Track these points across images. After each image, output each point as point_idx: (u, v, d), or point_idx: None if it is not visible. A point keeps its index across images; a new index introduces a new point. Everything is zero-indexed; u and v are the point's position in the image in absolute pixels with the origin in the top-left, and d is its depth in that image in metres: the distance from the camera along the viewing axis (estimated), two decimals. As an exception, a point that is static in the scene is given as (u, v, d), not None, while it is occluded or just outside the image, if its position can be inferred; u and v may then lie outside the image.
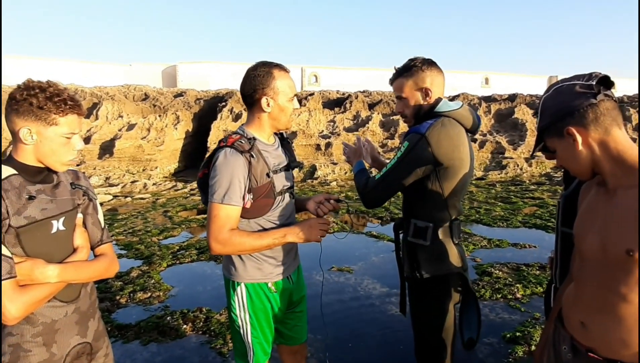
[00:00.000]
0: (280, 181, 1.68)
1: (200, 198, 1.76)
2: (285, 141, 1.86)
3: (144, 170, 11.60)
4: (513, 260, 4.67)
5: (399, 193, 1.77)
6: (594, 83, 1.01)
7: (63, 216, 1.32)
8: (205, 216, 1.66)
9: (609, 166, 1.02)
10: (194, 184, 9.77)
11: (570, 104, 1.02)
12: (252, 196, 1.58)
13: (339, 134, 12.74)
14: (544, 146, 1.13)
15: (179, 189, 9.88)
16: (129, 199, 8.83)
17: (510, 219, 6.51)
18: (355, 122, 13.65)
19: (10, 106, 1.22)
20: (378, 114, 13.84)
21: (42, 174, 1.31)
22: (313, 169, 11.22)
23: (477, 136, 12.44)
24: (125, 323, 3.35)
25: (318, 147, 12.35)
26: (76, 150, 1.32)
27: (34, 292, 1.20)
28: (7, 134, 9.78)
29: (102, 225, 1.49)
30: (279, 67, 1.65)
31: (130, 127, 12.60)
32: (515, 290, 3.82)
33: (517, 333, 3.06)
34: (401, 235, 1.86)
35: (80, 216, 1.41)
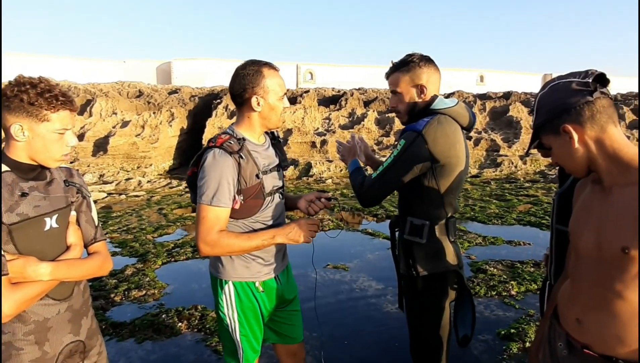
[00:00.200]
0: (270, 182, 1.66)
1: None
2: (276, 140, 1.84)
3: (138, 167, 11.53)
4: (508, 257, 4.69)
5: (395, 191, 1.77)
6: (591, 81, 1.01)
7: (56, 213, 1.31)
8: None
9: (604, 163, 1.02)
10: (189, 182, 9.72)
11: (566, 101, 1.02)
12: (242, 198, 1.57)
13: (334, 132, 12.73)
14: (539, 143, 1.13)
15: (173, 187, 9.84)
16: (123, 196, 8.78)
17: (505, 217, 6.54)
18: (350, 119, 13.65)
19: (0, 102, 1.20)
20: (373, 111, 13.84)
21: (35, 171, 1.29)
22: (308, 166, 11.21)
23: (472, 134, 12.48)
24: (120, 321, 3.33)
25: (313, 144, 12.34)
26: (69, 146, 1.30)
27: (26, 290, 1.18)
28: None
29: (96, 223, 1.48)
30: (268, 65, 1.63)
31: (125, 124, 12.51)
32: (510, 287, 3.84)
33: (512, 330, 3.07)
34: (397, 233, 1.86)
35: (73, 213, 1.39)
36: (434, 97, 1.70)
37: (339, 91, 15.29)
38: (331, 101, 14.64)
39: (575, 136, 1.02)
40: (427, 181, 1.66)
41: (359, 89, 16.01)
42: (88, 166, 11.07)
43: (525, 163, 11.42)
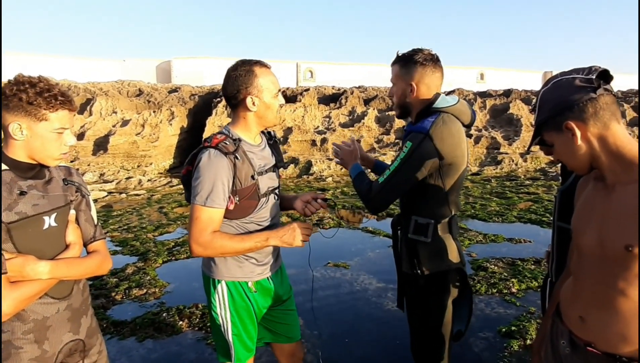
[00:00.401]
0: (265, 183, 1.65)
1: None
2: (272, 140, 1.82)
3: (138, 166, 11.53)
4: (508, 255, 4.68)
5: None
6: (594, 77, 0.99)
7: (55, 212, 1.30)
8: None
9: (607, 161, 1.01)
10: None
11: (569, 98, 1.01)
12: (237, 198, 1.56)
13: (334, 130, 12.72)
14: (541, 140, 1.12)
15: (174, 186, 9.84)
16: (123, 195, 8.78)
17: (506, 215, 6.53)
18: (350, 118, 13.63)
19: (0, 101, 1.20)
20: (374, 109, 13.82)
21: (33, 170, 1.29)
22: (309, 165, 11.21)
23: (472, 132, 12.47)
24: (120, 320, 3.33)
25: (314, 143, 12.33)
26: (67, 146, 1.30)
27: (24, 288, 1.18)
28: None
29: (95, 222, 1.47)
30: (260, 63, 1.61)
31: (125, 123, 12.51)
32: (511, 284, 3.84)
33: (513, 328, 3.07)
34: (399, 231, 1.85)
35: (73, 212, 1.39)
36: (437, 96, 1.69)
37: (339, 90, 15.28)
38: (331, 99, 14.62)
39: (578, 133, 1.00)
40: (433, 180, 1.65)
41: (359, 87, 15.99)
42: (88, 165, 11.06)
43: (525, 161, 11.41)
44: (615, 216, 0.99)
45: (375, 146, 12.39)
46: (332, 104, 14.26)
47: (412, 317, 1.81)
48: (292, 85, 20.41)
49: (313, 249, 1.97)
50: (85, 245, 1.42)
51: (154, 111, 13.04)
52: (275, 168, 1.74)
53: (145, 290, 3.90)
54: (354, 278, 4.16)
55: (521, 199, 7.59)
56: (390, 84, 1.82)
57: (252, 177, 1.58)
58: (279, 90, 1.67)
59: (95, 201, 8.04)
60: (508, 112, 13.67)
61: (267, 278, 1.74)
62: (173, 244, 5.33)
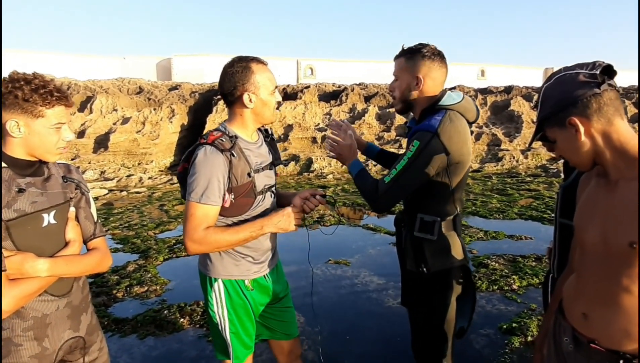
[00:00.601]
0: (261, 181, 1.64)
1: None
2: (269, 137, 1.81)
3: (139, 164, 11.52)
4: (509, 252, 4.68)
5: None
6: (598, 72, 0.98)
7: (54, 209, 1.30)
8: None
9: (611, 157, 1.00)
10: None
11: (573, 93, 0.99)
12: (232, 196, 1.55)
13: (335, 127, 12.69)
14: (543, 136, 1.10)
15: (174, 183, 9.83)
16: (124, 193, 8.78)
17: (507, 211, 6.53)
18: (351, 115, 13.61)
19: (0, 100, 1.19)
20: (374, 106, 13.80)
21: (32, 168, 1.28)
22: (309, 162, 11.19)
23: (473, 128, 12.43)
24: (122, 317, 3.33)
25: (314, 140, 12.31)
26: (65, 141, 1.29)
27: (24, 286, 1.18)
28: None
29: (95, 219, 1.47)
30: (256, 60, 1.59)
31: (125, 121, 12.49)
32: (512, 281, 3.84)
33: (514, 324, 3.07)
34: (402, 229, 1.84)
35: (72, 209, 1.38)
36: (443, 93, 1.67)
37: (339, 87, 15.25)
38: (332, 96, 14.60)
39: (582, 129, 0.99)
40: (440, 178, 1.63)
41: (360, 84, 15.95)
42: (89, 163, 11.06)
43: (526, 158, 11.39)
44: (618, 212, 0.98)
45: (376, 143, 12.36)
46: (332, 101, 14.24)
47: (416, 315, 1.80)
48: (292, 82, 20.36)
49: (314, 246, 1.97)
50: (85, 242, 1.42)
51: (155, 109, 13.03)
52: (272, 165, 1.73)
53: (146, 288, 3.90)
54: (354, 275, 4.16)
55: (522, 196, 7.58)
56: (390, 81, 1.80)
57: (249, 174, 1.57)
58: (276, 87, 1.65)
59: (96, 199, 8.04)
60: (509, 108, 13.63)
61: (264, 276, 1.73)
62: (174, 241, 5.33)
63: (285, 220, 1.61)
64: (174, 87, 14.87)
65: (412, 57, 1.66)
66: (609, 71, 1.00)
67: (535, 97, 12.93)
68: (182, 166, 1.66)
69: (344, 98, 14.19)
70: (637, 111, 13.22)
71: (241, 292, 1.67)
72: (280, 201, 1.82)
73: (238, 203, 1.58)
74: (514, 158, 11.36)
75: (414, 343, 1.86)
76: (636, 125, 12.46)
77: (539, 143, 1.15)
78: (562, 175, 1.65)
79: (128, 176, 10.39)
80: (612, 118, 0.98)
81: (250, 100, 1.57)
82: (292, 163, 11.13)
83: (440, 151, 1.56)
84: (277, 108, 12.48)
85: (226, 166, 1.51)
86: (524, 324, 3.06)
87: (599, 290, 1.04)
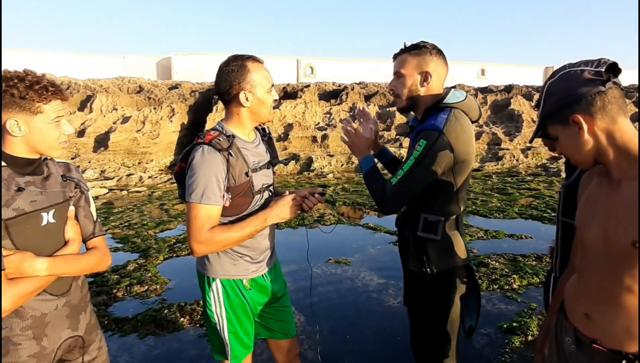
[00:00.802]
0: (259, 180, 1.63)
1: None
2: (267, 136, 1.80)
3: (139, 163, 11.52)
4: (509, 251, 4.68)
5: None
6: (603, 70, 0.97)
7: (53, 208, 1.29)
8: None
9: (614, 156, 0.99)
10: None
11: (577, 91, 0.98)
12: (230, 196, 1.54)
13: (335, 126, 12.69)
14: (544, 133, 1.09)
15: (174, 182, 9.82)
16: (124, 192, 8.77)
17: (507, 211, 6.52)
18: (351, 114, 13.59)
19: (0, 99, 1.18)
20: (374, 105, 13.79)
21: (31, 166, 1.28)
22: (309, 161, 11.19)
23: (474, 127, 12.41)
24: (122, 317, 3.33)
25: (314, 139, 12.31)
26: (66, 134, 1.29)
27: (22, 285, 1.17)
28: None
29: (95, 218, 1.46)
30: (252, 58, 1.58)
31: (125, 120, 12.48)
32: (512, 280, 3.83)
33: (514, 324, 3.06)
34: (404, 229, 1.83)
35: (72, 208, 1.38)
36: (447, 91, 1.66)
37: (339, 86, 15.23)
38: (332, 95, 14.58)
39: (585, 127, 0.98)
40: (445, 178, 1.61)
41: (360, 83, 15.93)
42: (89, 162, 11.06)
43: (527, 157, 11.38)
44: (621, 212, 0.98)
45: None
46: (332, 100, 14.23)
47: (418, 314, 1.79)
48: (292, 81, 20.34)
49: (314, 246, 1.97)
50: (84, 241, 1.42)
51: (155, 108, 13.02)
52: (269, 164, 1.73)
53: (146, 287, 3.90)
54: (354, 275, 4.16)
55: (522, 195, 7.57)
56: (389, 80, 1.78)
57: (246, 174, 1.57)
58: (272, 85, 1.64)
59: (96, 198, 8.03)
60: (509, 108, 13.62)
61: (262, 275, 1.73)
62: (174, 241, 5.33)
63: (286, 210, 1.63)
64: (174, 87, 14.86)
65: (419, 52, 1.64)
66: (613, 69, 0.98)
67: (536, 97, 12.91)
68: (180, 165, 1.66)
69: (344, 97, 14.18)
70: (637, 110, 13.21)
71: (239, 292, 1.67)
72: None
73: (236, 203, 1.57)
74: (514, 157, 11.35)
75: (413, 342, 1.85)
76: (636, 124, 12.45)
77: (540, 142, 1.14)
78: (563, 174, 1.65)
79: (128, 175, 10.38)
80: (615, 117, 0.97)
81: (247, 99, 1.57)
82: (292, 162, 11.12)
83: (448, 150, 1.54)
84: (277, 107, 12.35)
85: (224, 165, 1.51)
86: (525, 323, 3.06)
87: (601, 290, 1.03)
